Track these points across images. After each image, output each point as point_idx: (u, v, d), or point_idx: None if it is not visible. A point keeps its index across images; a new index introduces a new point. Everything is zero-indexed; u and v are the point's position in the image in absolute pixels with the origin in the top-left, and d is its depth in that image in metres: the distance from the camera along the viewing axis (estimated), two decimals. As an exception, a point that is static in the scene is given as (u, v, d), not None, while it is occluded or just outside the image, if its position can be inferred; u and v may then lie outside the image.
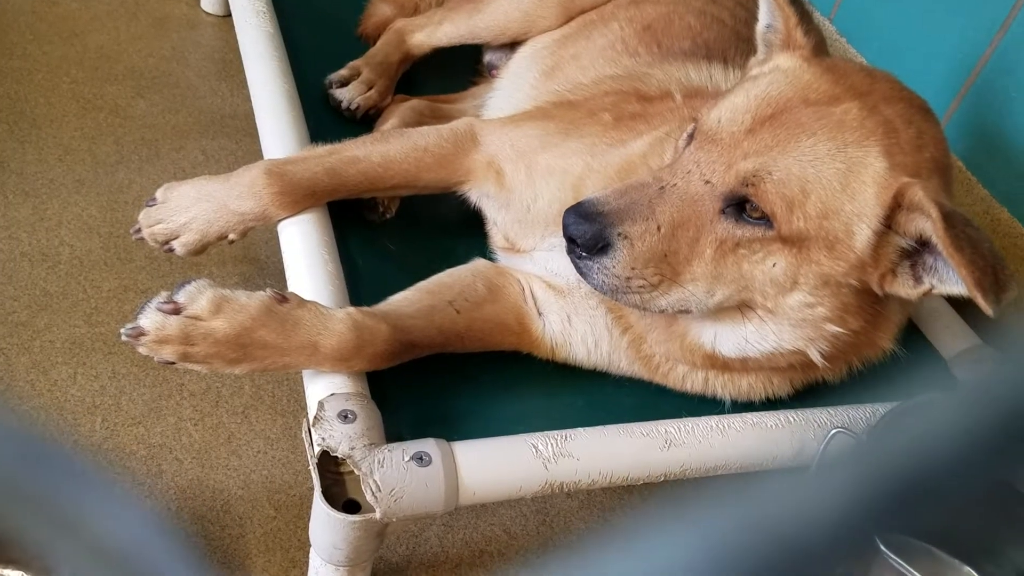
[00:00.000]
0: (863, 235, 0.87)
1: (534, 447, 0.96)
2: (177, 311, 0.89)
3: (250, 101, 1.32)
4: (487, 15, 1.45)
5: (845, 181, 0.86)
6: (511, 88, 1.39)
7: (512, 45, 1.48)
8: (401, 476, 0.88)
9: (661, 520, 0.23)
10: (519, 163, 1.11)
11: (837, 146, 0.86)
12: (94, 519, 0.23)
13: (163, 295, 0.90)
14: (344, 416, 0.91)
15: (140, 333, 0.88)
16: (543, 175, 1.10)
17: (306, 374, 0.97)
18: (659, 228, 0.89)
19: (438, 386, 1.03)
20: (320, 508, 0.89)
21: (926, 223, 0.85)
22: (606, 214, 0.89)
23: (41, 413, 1.13)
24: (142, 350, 0.89)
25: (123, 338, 0.89)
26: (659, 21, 1.33)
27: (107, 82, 1.65)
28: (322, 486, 0.88)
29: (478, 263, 1.12)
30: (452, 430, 0.96)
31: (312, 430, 0.91)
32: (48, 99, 1.58)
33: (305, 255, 1.07)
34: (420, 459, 0.90)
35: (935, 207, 0.83)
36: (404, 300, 1.03)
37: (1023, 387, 0.22)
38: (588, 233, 0.89)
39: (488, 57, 1.53)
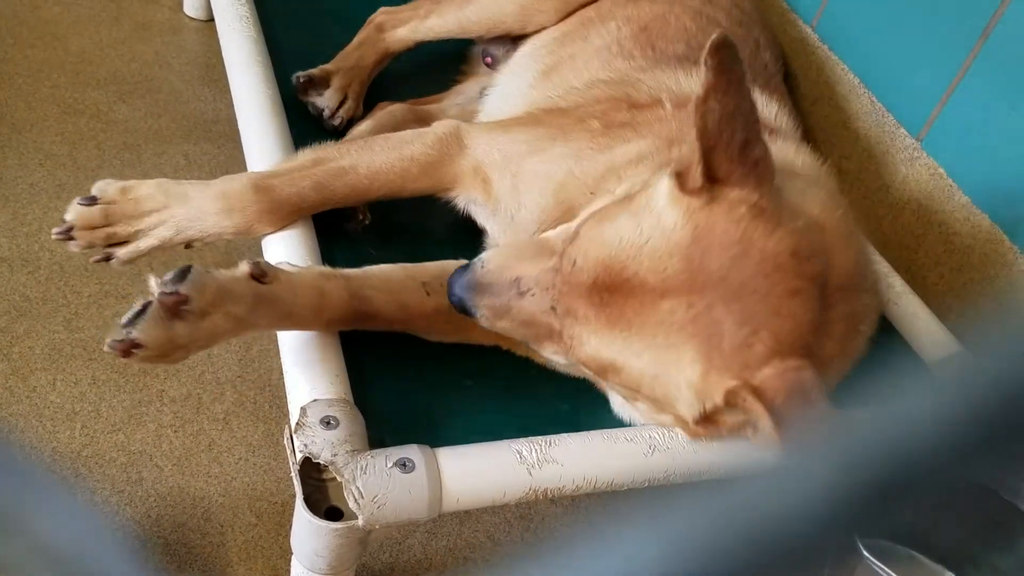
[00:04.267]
0: (685, 413, 0.87)
1: (518, 453, 0.95)
2: (184, 301, 0.85)
3: (233, 106, 1.31)
4: (480, 7, 1.41)
5: (658, 376, 0.86)
6: (511, 86, 1.37)
7: (510, 39, 1.45)
8: (384, 483, 0.88)
9: (638, 521, 0.23)
10: (505, 171, 1.11)
11: (650, 346, 0.85)
12: (37, 519, 0.22)
13: (160, 284, 0.86)
14: (326, 422, 0.91)
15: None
16: (527, 182, 1.10)
17: (288, 381, 0.97)
18: (512, 320, 0.94)
19: (422, 391, 1.02)
20: (302, 515, 0.88)
21: (757, 420, 0.82)
22: (476, 290, 0.94)
23: (19, 420, 1.12)
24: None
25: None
26: (655, 22, 1.32)
27: (89, 87, 1.64)
28: (304, 493, 0.88)
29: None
30: (436, 436, 0.95)
31: (294, 436, 0.90)
32: (29, 103, 1.57)
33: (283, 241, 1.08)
34: (403, 465, 0.89)
35: (764, 415, 0.80)
36: (374, 271, 1.03)
37: (1000, 385, 0.22)
38: (456, 303, 0.95)
39: (485, 46, 1.50)
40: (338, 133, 1.30)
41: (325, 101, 1.33)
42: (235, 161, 1.50)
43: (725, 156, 0.81)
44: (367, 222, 1.18)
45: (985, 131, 1.31)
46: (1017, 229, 1.28)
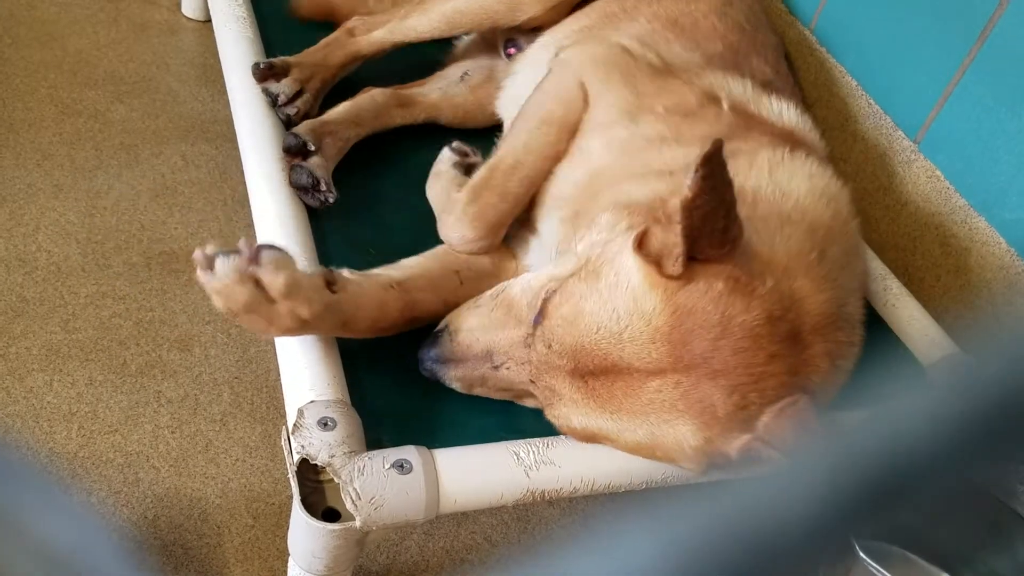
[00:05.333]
0: (690, 467, 0.90)
1: (516, 454, 0.95)
2: (254, 277, 0.86)
3: (230, 106, 1.31)
4: (463, 2, 1.36)
5: (656, 447, 0.89)
6: (531, 76, 1.31)
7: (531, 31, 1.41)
8: (381, 484, 0.88)
9: (635, 524, 0.23)
10: (581, 135, 1.12)
11: (644, 423, 0.88)
12: (33, 520, 0.22)
13: (246, 251, 0.86)
14: (324, 423, 0.91)
15: (211, 267, 0.85)
16: (581, 155, 1.10)
17: (285, 382, 0.96)
18: (488, 388, 0.97)
19: (419, 393, 1.02)
20: (299, 517, 0.88)
21: (764, 454, 0.86)
22: (448, 363, 0.97)
23: (16, 420, 1.12)
24: (200, 277, 0.85)
25: (195, 255, 0.85)
26: (684, 18, 1.29)
27: (86, 87, 1.64)
28: (301, 494, 0.88)
29: None
30: (433, 437, 0.95)
31: (291, 438, 0.90)
32: (26, 104, 1.57)
33: (283, 240, 1.06)
34: (401, 467, 0.89)
35: (770, 449, 0.84)
36: (419, 268, 1.05)
37: (996, 388, 0.22)
38: (428, 375, 0.98)
39: (510, 37, 1.45)
40: (291, 123, 1.26)
41: (280, 88, 1.27)
42: (232, 161, 1.50)
43: (706, 243, 0.84)
44: (331, 201, 1.15)
45: (982, 134, 1.31)
46: (1014, 232, 1.28)
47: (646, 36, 1.24)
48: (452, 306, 1.03)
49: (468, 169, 1.19)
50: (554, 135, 1.11)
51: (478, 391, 0.99)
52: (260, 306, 0.87)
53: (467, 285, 1.06)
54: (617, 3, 1.34)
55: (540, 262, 1.09)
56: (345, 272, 0.98)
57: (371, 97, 1.32)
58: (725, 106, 1.11)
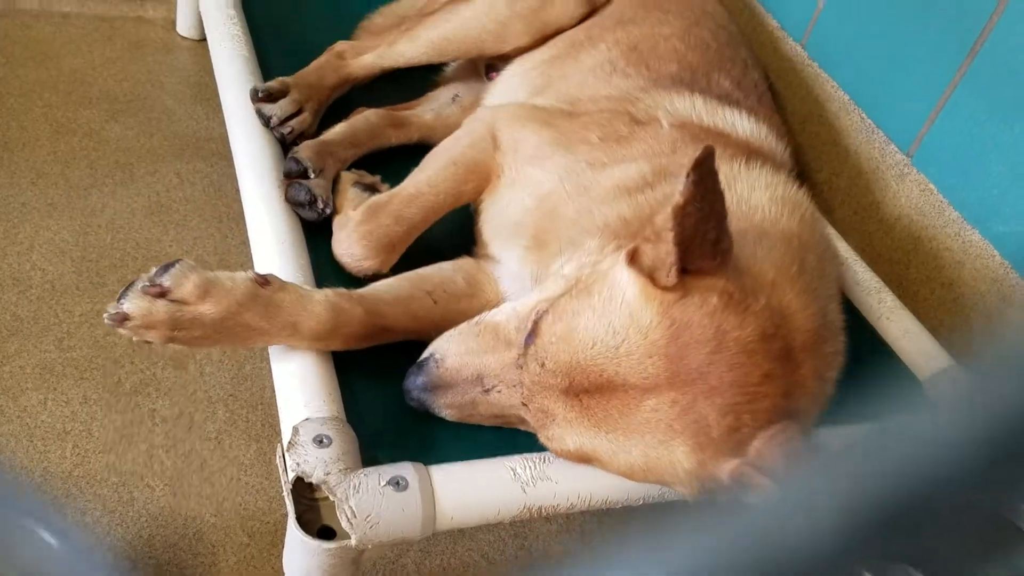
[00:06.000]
0: (682, 490, 0.90)
1: (512, 470, 0.95)
2: (163, 294, 0.89)
3: (225, 124, 1.31)
4: (458, 26, 1.40)
5: (650, 469, 0.88)
6: (503, 100, 1.37)
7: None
8: (377, 501, 0.87)
9: (639, 544, 0.23)
10: (513, 167, 1.14)
11: (639, 443, 0.87)
12: (25, 542, 0.22)
13: (145, 277, 0.90)
14: (319, 441, 0.90)
15: (124, 318, 0.88)
16: (522, 183, 1.11)
17: (280, 399, 0.96)
18: (479, 413, 0.96)
19: (415, 408, 1.02)
20: (294, 535, 0.88)
21: (763, 489, 0.85)
22: (436, 390, 0.96)
23: (10, 440, 1.11)
24: (124, 332, 0.88)
25: (106, 321, 0.88)
26: (645, 42, 1.34)
27: (81, 106, 1.64)
28: (296, 512, 0.87)
29: (463, 260, 1.14)
30: (429, 453, 0.95)
31: (286, 455, 0.89)
32: (21, 123, 1.57)
33: (279, 258, 1.08)
34: (397, 484, 0.89)
35: (771, 485, 0.83)
36: (383, 285, 1.05)
37: (1001, 407, 0.22)
38: (415, 405, 0.97)
39: (492, 62, 1.49)
40: (285, 143, 1.27)
41: (274, 109, 1.28)
42: (227, 178, 1.50)
43: (698, 253, 0.84)
44: (328, 213, 1.16)
45: (975, 147, 1.32)
46: (1008, 244, 1.28)
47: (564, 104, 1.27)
48: (425, 323, 1.03)
49: (370, 190, 1.19)
50: (461, 175, 1.13)
51: (469, 418, 0.98)
52: (184, 315, 0.89)
53: (441, 305, 1.07)
54: (584, 31, 1.39)
55: (513, 289, 1.10)
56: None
57: (366, 118, 1.34)
58: (665, 124, 1.13)
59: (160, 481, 1.12)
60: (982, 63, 1.30)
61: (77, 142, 1.56)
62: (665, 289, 0.85)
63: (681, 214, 0.80)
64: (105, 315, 0.88)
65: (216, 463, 1.16)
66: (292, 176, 1.18)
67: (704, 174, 0.79)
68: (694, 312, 0.85)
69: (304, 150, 1.20)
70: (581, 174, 1.09)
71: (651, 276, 0.86)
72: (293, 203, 1.16)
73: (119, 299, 0.89)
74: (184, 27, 1.86)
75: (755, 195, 1.04)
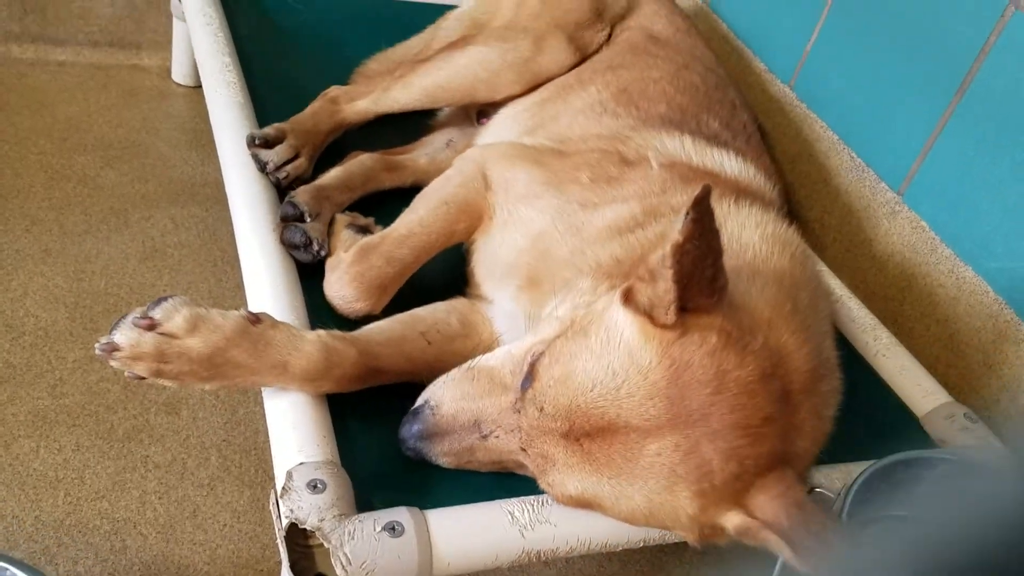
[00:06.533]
0: (685, 535, 0.89)
1: (511, 514, 0.94)
2: (152, 327, 0.89)
3: (220, 169, 1.32)
4: (451, 74, 1.42)
5: (653, 513, 0.87)
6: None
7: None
8: (372, 548, 0.86)
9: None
10: (505, 207, 1.14)
11: (642, 489, 0.86)
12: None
13: (138, 311, 0.90)
14: (313, 486, 0.89)
15: (114, 348, 0.88)
16: (514, 223, 1.12)
17: (274, 443, 0.95)
18: (477, 460, 0.95)
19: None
20: (289, 582, 0.86)
21: (773, 549, 0.85)
22: (432, 438, 0.95)
23: (2, 488, 1.10)
24: (114, 364, 0.88)
25: (96, 352, 0.88)
26: (635, 84, 1.36)
27: (76, 152, 1.64)
28: (290, 560, 0.86)
29: (456, 300, 1.14)
30: (425, 497, 0.94)
31: (280, 501, 0.88)
32: (15, 170, 1.57)
33: (273, 300, 1.07)
34: (392, 529, 0.88)
35: (780, 543, 0.83)
36: (376, 327, 1.05)
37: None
38: (412, 455, 0.96)
39: (483, 109, 1.51)
40: (281, 188, 1.28)
41: (271, 155, 1.29)
42: (222, 222, 1.51)
43: (697, 291, 0.83)
44: (323, 255, 1.16)
45: (965, 184, 1.33)
46: (1001, 280, 1.29)
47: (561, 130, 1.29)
48: (419, 364, 1.03)
49: (363, 232, 1.20)
50: (452, 214, 1.14)
51: (467, 465, 0.97)
52: (171, 348, 0.89)
53: (435, 346, 1.06)
54: (575, 76, 1.42)
55: (506, 329, 1.09)
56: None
57: (361, 162, 1.35)
58: (654, 164, 1.14)
59: (153, 528, 1.11)
60: (970, 102, 1.32)
61: (72, 188, 1.57)
62: (664, 328, 0.85)
63: (680, 252, 0.80)
64: (96, 346, 0.88)
65: (209, 510, 1.14)
66: (288, 219, 1.19)
67: (702, 212, 0.80)
68: (694, 351, 0.84)
69: (301, 194, 1.21)
70: (573, 214, 1.10)
71: (648, 315, 0.85)
72: (288, 245, 1.16)
73: (111, 331, 0.89)
74: (179, 74, 1.88)
75: (746, 233, 1.05)
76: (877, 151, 1.49)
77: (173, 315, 0.91)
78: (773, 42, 1.73)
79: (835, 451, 1.07)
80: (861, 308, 1.40)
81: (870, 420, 1.24)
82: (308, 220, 1.18)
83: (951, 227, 1.36)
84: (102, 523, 1.09)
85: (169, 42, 1.86)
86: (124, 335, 0.89)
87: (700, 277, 0.83)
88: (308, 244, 1.15)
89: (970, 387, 1.32)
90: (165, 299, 0.92)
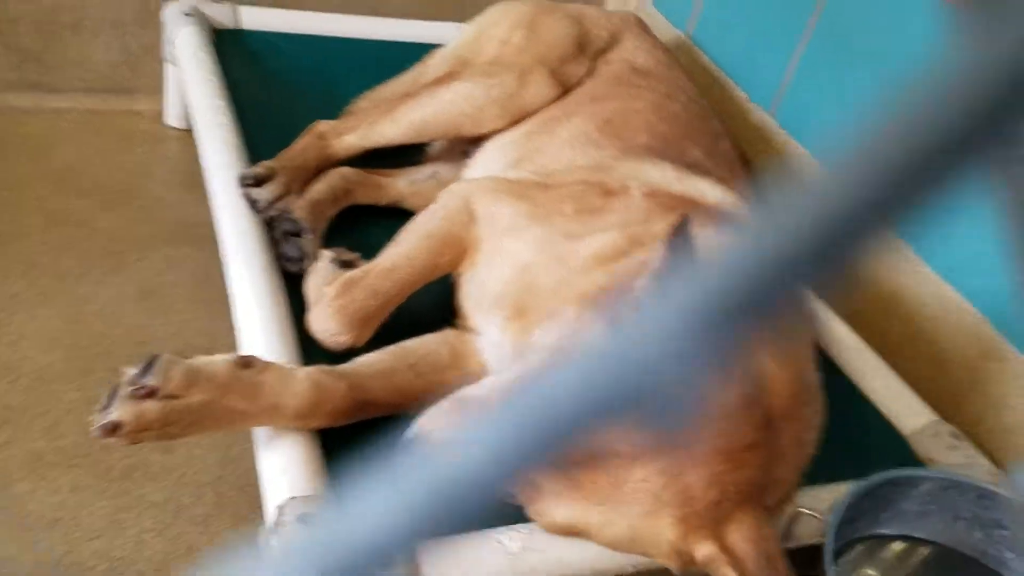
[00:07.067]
0: (665, 563, 0.90)
1: (499, 542, 0.95)
2: (152, 394, 0.89)
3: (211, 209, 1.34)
4: (437, 109, 1.45)
5: (636, 540, 0.89)
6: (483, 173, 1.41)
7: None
8: (363, 579, 0.87)
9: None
10: (490, 240, 1.17)
11: (626, 515, 0.88)
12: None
13: (127, 381, 0.89)
14: (304, 520, 0.91)
15: (116, 427, 0.86)
16: (500, 256, 1.14)
17: (264, 479, 0.97)
18: None
19: (401, 484, 1.02)
20: (281, 616, 0.87)
21: (722, 572, 0.87)
22: None
23: (1, 529, 1.11)
24: (121, 443, 0.87)
25: (94, 435, 0.86)
26: (618, 116, 1.39)
27: (73, 196, 1.67)
28: (283, 592, 0.87)
29: (445, 332, 1.16)
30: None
31: (270, 538, 0.90)
32: (12, 215, 1.60)
33: (264, 336, 1.10)
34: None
35: (730, 570, 0.85)
36: (365, 360, 1.07)
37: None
38: None
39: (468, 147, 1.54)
40: (272, 224, 1.30)
41: (262, 193, 1.32)
42: (215, 261, 1.53)
43: None
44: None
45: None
46: (982, 297, 1.31)
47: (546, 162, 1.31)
48: (408, 396, 1.05)
49: (347, 266, 1.21)
50: (436, 248, 1.16)
51: None
52: (175, 408, 0.89)
53: (424, 378, 1.09)
54: (560, 108, 1.44)
55: (495, 359, 1.12)
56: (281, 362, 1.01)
57: (341, 175, 1.41)
58: (636, 193, 1.16)
59: (149, 566, 1.12)
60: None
61: (68, 232, 1.60)
62: None
63: (659, 278, 0.83)
64: (94, 430, 0.86)
65: (204, 546, 1.16)
66: (288, 234, 1.25)
67: (681, 240, 0.82)
68: None
69: (299, 211, 1.27)
70: (557, 245, 1.12)
71: None
72: (285, 259, 1.23)
73: (105, 408, 0.88)
74: (172, 118, 1.91)
75: None
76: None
77: (171, 376, 0.90)
78: (753, 71, 1.76)
79: (822, 472, 1.09)
80: (847, 330, 1.42)
81: (858, 441, 1.26)
82: (303, 235, 1.24)
83: (933, 247, 1.38)
84: (99, 562, 1.11)
85: (162, 87, 1.90)
86: (125, 410, 0.87)
87: None
88: (303, 258, 1.20)
89: (956, 405, 1.33)
90: (152, 362, 0.91)
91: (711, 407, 0.87)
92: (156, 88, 1.92)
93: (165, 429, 0.90)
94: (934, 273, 1.35)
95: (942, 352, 1.35)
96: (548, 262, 1.11)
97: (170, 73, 1.86)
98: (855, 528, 1.08)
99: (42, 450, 1.22)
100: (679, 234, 0.82)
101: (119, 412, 0.87)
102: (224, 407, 0.93)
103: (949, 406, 1.32)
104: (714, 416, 0.87)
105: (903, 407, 1.30)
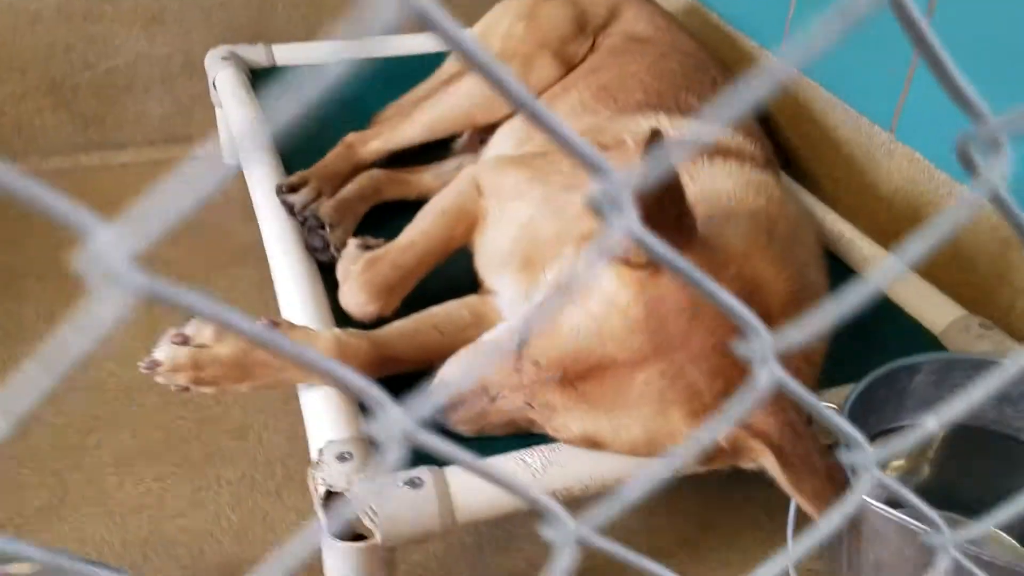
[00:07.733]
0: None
1: (522, 460, 1.02)
2: (186, 342, 1.04)
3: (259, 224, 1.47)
4: (452, 105, 1.56)
5: (652, 440, 0.94)
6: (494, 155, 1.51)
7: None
8: (397, 500, 0.95)
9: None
10: (497, 207, 1.24)
11: (637, 418, 0.93)
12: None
13: (172, 330, 1.05)
14: (342, 457, 1.00)
15: (156, 364, 1.03)
16: (506, 218, 1.21)
17: (308, 427, 1.06)
18: (491, 423, 1.03)
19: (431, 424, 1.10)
20: (328, 542, 0.96)
21: (760, 458, 0.90)
22: (447, 409, 1.03)
23: (93, 519, 1.24)
24: (160, 379, 1.03)
25: (141, 370, 1.03)
26: (613, 81, 1.45)
27: (143, 236, 1.83)
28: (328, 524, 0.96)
29: (469, 297, 1.25)
30: (444, 462, 1.02)
31: (315, 474, 0.99)
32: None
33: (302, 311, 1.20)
34: (413, 483, 0.97)
35: (767, 453, 0.89)
36: (390, 325, 1.17)
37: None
38: (431, 424, 1.05)
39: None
40: (307, 225, 1.41)
41: (297, 198, 1.44)
42: (268, 280, 1.65)
43: (662, 232, 0.91)
44: (338, 255, 1.31)
45: (947, 108, 1.36)
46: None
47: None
48: (432, 353, 1.13)
49: (371, 250, 1.30)
50: (450, 222, 1.25)
51: (483, 430, 1.05)
52: (203, 356, 1.02)
53: (448, 336, 1.17)
54: (560, 84, 1.53)
55: (511, 314, 1.19)
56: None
57: (370, 176, 1.52)
58: (630, 142, 1.22)
59: (227, 535, 1.23)
60: (937, 27, 1.36)
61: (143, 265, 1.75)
62: (637, 268, 0.92)
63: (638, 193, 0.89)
64: (140, 364, 1.02)
65: (277, 514, 1.26)
66: (313, 227, 1.37)
67: (653, 152, 0.88)
68: (667, 285, 0.92)
69: (324, 208, 1.39)
70: (556, 198, 1.19)
71: (624, 262, 0.94)
72: (310, 248, 1.35)
73: (152, 351, 1.04)
74: (227, 155, 2.07)
75: (718, 183, 1.12)
76: (865, 97, 1.54)
77: (202, 328, 1.05)
78: (759, 19, 1.80)
79: (857, 377, 1.11)
80: (873, 246, 1.44)
81: (892, 345, 1.27)
82: (328, 229, 1.34)
83: (943, 152, 1.39)
84: (181, 536, 1.22)
85: (216, 130, 2.06)
86: (163, 352, 1.04)
87: (665, 217, 0.91)
88: (325, 247, 1.32)
89: (985, 299, 1.33)
90: (194, 317, 1.05)
91: (703, 307, 0.92)
92: (208, 133, 2.08)
93: (197, 374, 1.02)
94: (949, 177, 1.36)
95: (964, 250, 1.35)
96: (548, 214, 1.18)
97: (220, 116, 2.02)
98: (880, 419, 1.10)
99: (128, 448, 1.35)
100: (652, 144, 0.87)
101: (159, 353, 1.04)
102: (254, 360, 1.03)
103: (979, 302, 1.32)
104: (707, 315, 0.91)
105: (932, 306, 1.31)
